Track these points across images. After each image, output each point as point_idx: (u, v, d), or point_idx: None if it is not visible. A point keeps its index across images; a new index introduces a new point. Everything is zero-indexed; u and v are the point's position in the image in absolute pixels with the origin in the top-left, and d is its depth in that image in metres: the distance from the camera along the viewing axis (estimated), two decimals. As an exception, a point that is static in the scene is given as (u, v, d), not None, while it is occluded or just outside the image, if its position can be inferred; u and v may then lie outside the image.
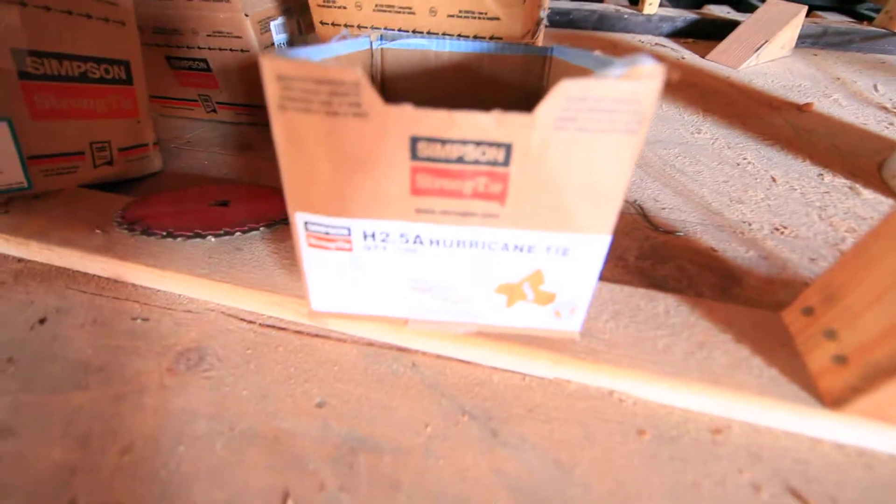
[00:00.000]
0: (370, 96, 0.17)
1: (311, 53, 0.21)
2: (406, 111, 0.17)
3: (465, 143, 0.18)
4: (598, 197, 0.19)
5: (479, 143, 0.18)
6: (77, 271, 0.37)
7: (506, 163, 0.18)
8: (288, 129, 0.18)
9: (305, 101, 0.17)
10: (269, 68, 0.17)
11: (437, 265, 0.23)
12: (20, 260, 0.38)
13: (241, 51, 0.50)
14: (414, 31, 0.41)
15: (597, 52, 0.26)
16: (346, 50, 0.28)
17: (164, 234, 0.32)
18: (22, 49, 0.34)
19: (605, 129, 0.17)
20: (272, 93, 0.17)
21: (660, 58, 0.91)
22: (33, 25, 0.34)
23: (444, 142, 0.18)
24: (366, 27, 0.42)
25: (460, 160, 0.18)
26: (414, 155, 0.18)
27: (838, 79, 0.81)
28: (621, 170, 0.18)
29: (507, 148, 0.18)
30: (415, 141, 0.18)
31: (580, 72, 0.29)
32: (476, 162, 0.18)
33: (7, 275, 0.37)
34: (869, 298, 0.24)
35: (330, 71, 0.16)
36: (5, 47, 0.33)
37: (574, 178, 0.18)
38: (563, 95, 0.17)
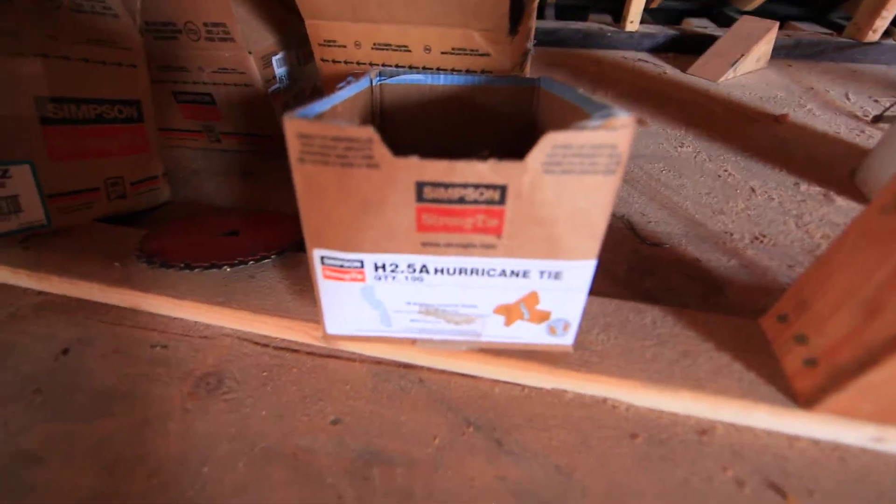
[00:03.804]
0: (381, 150, 0.19)
1: (323, 104, 0.24)
2: (413, 162, 0.19)
3: (465, 186, 0.20)
4: (584, 228, 0.22)
5: (477, 186, 0.20)
6: (96, 302, 0.39)
7: (501, 202, 0.21)
8: (307, 179, 0.20)
9: (323, 154, 0.20)
10: (292, 127, 0.19)
11: (441, 291, 0.25)
12: (39, 293, 0.40)
13: (245, 85, 0.52)
14: (410, 67, 0.44)
15: (581, 91, 0.29)
16: (350, 93, 0.31)
17: (183, 265, 0.34)
18: (44, 96, 0.37)
19: (587, 171, 0.20)
20: (293, 148, 0.20)
21: (643, 73, 0.95)
22: (54, 74, 0.37)
23: (446, 186, 0.20)
24: (365, 64, 0.45)
25: (461, 200, 0.21)
26: (420, 197, 0.21)
27: (812, 89, 0.85)
28: (603, 204, 0.21)
29: (502, 189, 0.20)
30: (420, 186, 0.20)
31: (565, 105, 0.32)
32: (475, 202, 0.21)
33: (27, 309, 0.39)
34: (833, 305, 0.27)
35: (346, 130, 0.19)
36: (29, 96, 0.36)
37: (561, 212, 0.21)
38: (549, 144, 0.19)
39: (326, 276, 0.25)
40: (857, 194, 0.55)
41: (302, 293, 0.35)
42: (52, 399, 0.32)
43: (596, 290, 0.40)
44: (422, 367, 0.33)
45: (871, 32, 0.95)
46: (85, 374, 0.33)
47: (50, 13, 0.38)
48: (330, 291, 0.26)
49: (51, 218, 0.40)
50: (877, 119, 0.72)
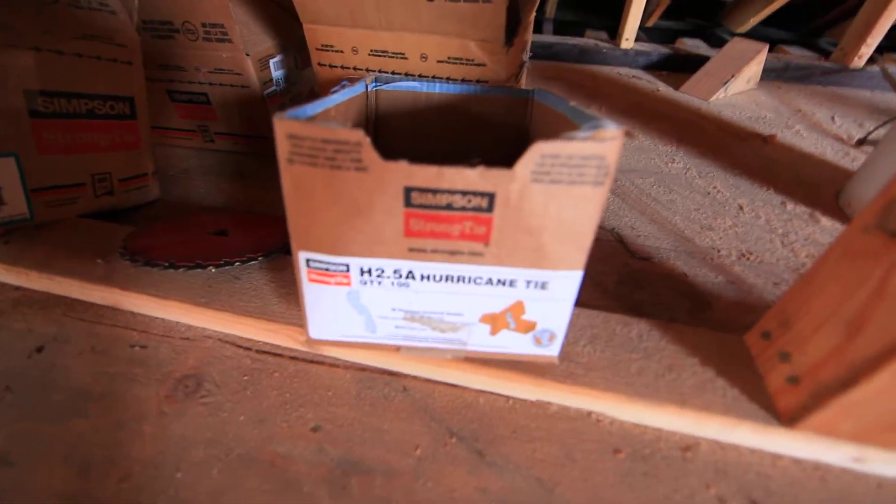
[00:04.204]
0: (370, 153, 0.19)
1: (316, 106, 0.24)
2: (401, 167, 0.19)
3: (453, 192, 0.20)
4: (571, 238, 0.22)
5: (465, 193, 0.20)
6: (75, 299, 0.38)
7: (489, 209, 0.21)
8: (295, 180, 0.20)
9: (312, 156, 0.19)
10: (281, 128, 0.19)
11: (427, 298, 0.25)
12: (17, 288, 0.39)
13: (241, 86, 0.52)
14: (406, 74, 0.44)
15: (573, 104, 0.29)
16: (344, 97, 0.31)
17: (167, 264, 0.34)
18: (34, 90, 0.36)
19: (575, 182, 0.20)
20: (283, 148, 0.20)
21: (637, 89, 0.96)
22: (46, 68, 0.37)
23: (434, 192, 0.20)
24: (361, 69, 0.45)
25: (449, 207, 0.21)
26: (408, 202, 0.20)
27: (800, 111, 0.87)
28: (590, 215, 0.21)
29: (491, 197, 0.20)
30: (409, 191, 0.20)
31: (557, 116, 0.32)
32: (463, 208, 0.21)
33: (5, 303, 0.38)
34: (815, 324, 0.27)
35: (336, 132, 0.19)
36: (18, 88, 0.35)
37: (549, 222, 0.21)
38: (538, 153, 0.19)
39: (311, 280, 0.25)
40: (841, 215, 0.56)
41: (287, 296, 0.35)
42: (23, 398, 0.31)
43: (585, 301, 0.40)
44: (406, 375, 0.33)
45: (856, 58, 0.98)
46: (60, 373, 0.33)
47: (47, 8, 0.38)
48: (314, 295, 0.26)
49: (34, 212, 0.39)
50: (861, 142, 0.74)
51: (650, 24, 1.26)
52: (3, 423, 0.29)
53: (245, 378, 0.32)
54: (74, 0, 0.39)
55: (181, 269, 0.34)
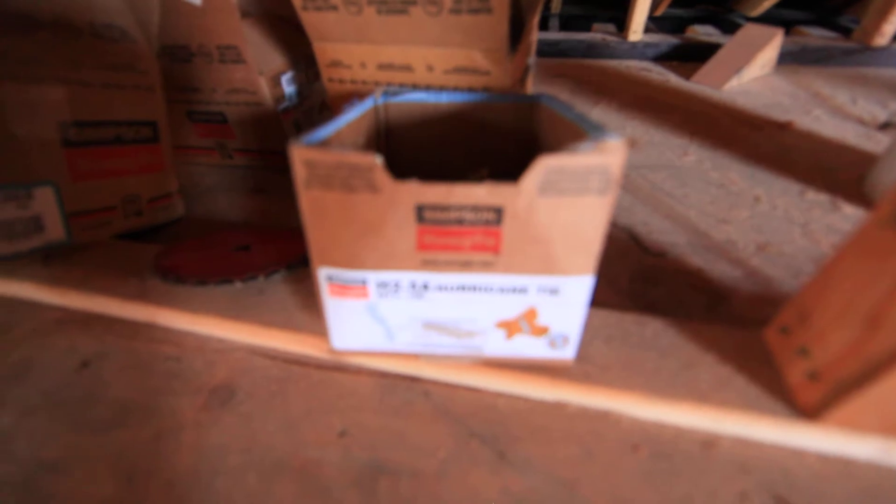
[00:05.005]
0: (382, 175, 0.20)
1: (329, 128, 0.25)
2: (413, 186, 0.20)
3: (462, 208, 0.21)
4: (579, 246, 0.22)
5: (474, 208, 0.21)
6: (112, 317, 0.40)
7: (498, 222, 0.21)
8: (312, 203, 0.22)
9: (327, 180, 0.21)
10: (298, 155, 0.20)
11: (443, 307, 0.26)
12: (59, 308, 0.42)
13: (256, 104, 0.54)
14: (414, 86, 0.45)
15: (578, 110, 0.29)
16: (355, 114, 0.32)
17: (196, 281, 0.36)
18: (67, 121, 0.39)
19: (581, 192, 0.20)
20: (300, 174, 0.21)
21: (646, 82, 0.95)
22: (76, 99, 0.39)
23: (445, 208, 0.21)
24: (370, 83, 0.46)
25: (459, 221, 0.22)
26: (420, 219, 0.21)
27: (818, 94, 0.85)
28: (597, 223, 0.22)
29: (499, 211, 0.21)
30: (420, 209, 0.21)
31: (564, 123, 0.32)
32: (473, 222, 0.21)
33: (49, 323, 0.40)
34: (833, 319, 0.27)
35: (349, 156, 0.20)
36: (52, 120, 0.38)
37: (557, 232, 0.22)
38: (543, 167, 0.20)
39: (332, 294, 0.26)
40: (864, 201, 0.54)
41: (310, 307, 0.36)
42: (72, 411, 0.33)
43: (599, 300, 0.41)
44: (427, 380, 0.34)
45: (878, 37, 0.94)
46: (103, 387, 0.35)
47: (71, 41, 0.40)
48: (335, 308, 0.27)
49: (71, 235, 0.42)
50: (885, 125, 0.71)
51: (659, 13, 1.24)
52: (54, 435, 0.32)
53: (274, 387, 0.34)
54: (96, 31, 0.42)
55: (210, 285, 0.36)
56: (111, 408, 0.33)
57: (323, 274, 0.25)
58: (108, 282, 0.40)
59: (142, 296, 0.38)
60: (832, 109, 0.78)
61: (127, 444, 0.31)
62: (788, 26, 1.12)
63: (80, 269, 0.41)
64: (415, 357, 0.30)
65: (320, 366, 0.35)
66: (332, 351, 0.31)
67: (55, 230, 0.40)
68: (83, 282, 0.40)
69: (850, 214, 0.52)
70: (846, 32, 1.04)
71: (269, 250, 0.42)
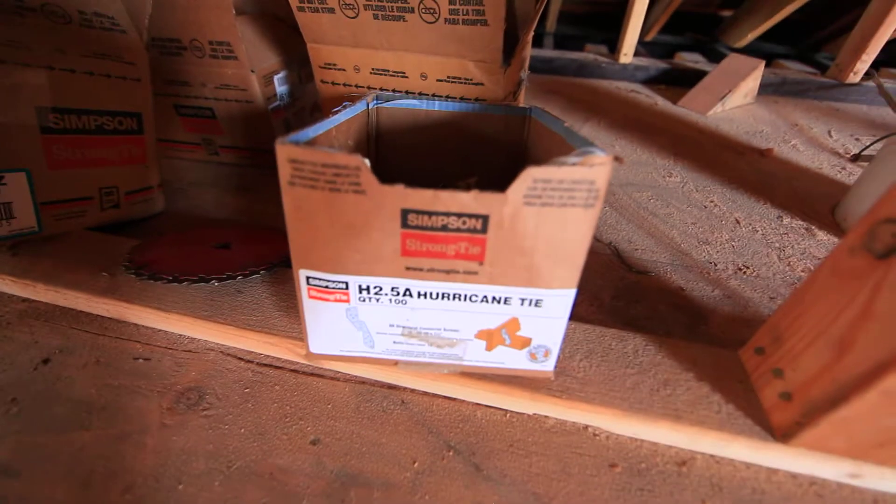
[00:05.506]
0: (368, 177, 0.20)
1: (318, 128, 0.25)
2: (398, 190, 0.20)
3: (448, 214, 0.21)
4: (563, 258, 0.22)
5: (460, 215, 0.21)
6: (80, 311, 0.39)
7: (483, 230, 0.21)
8: (296, 201, 0.21)
9: (312, 179, 0.20)
10: (283, 152, 0.20)
11: (424, 314, 0.26)
12: (24, 300, 0.40)
13: (246, 101, 0.54)
14: (407, 92, 0.45)
15: (567, 124, 0.30)
16: (346, 116, 0.32)
17: (171, 278, 0.34)
18: (46, 107, 0.37)
19: (566, 205, 0.21)
20: (284, 172, 0.20)
21: (635, 103, 0.98)
22: (58, 85, 0.38)
23: (430, 214, 0.21)
24: (363, 87, 0.46)
25: (444, 228, 0.21)
26: (404, 224, 0.21)
27: (796, 125, 0.88)
28: (581, 236, 0.22)
29: (485, 219, 0.21)
30: (405, 213, 0.21)
31: (552, 136, 0.33)
32: (458, 230, 0.21)
33: (12, 315, 0.38)
34: (805, 341, 0.27)
35: (335, 157, 0.19)
36: (30, 105, 0.36)
37: (541, 243, 0.22)
38: (529, 177, 0.20)
39: (311, 296, 0.25)
40: (837, 230, 0.56)
41: (288, 310, 0.35)
42: (28, 409, 0.32)
43: (581, 315, 0.41)
44: (405, 389, 0.33)
45: (852, 74, 0.99)
46: (64, 385, 0.33)
47: (61, 27, 0.39)
48: (314, 311, 0.26)
49: (42, 225, 0.40)
50: (856, 157, 0.75)
51: (649, 38, 1.28)
52: (8, 434, 0.30)
53: (246, 391, 0.33)
54: (86, 19, 0.41)
55: (185, 283, 0.35)
56: (71, 407, 0.32)
57: (303, 275, 0.25)
58: (77, 275, 0.38)
59: (112, 291, 0.37)
60: (809, 140, 0.82)
61: (85, 445, 0.29)
62: (769, 59, 1.17)
63: (50, 259, 0.39)
64: (393, 364, 0.30)
65: (296, 370, 0.34)
66: (309, 355, 0.30)
67: (26, 218, 0.39)
68: (51, 273, 0.38)
69: (823, 241, 0.54)
70: (822, 68, 1.09)
71: (250, 250, 0.41)
